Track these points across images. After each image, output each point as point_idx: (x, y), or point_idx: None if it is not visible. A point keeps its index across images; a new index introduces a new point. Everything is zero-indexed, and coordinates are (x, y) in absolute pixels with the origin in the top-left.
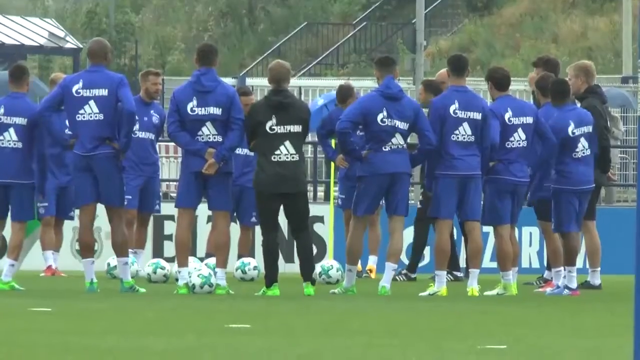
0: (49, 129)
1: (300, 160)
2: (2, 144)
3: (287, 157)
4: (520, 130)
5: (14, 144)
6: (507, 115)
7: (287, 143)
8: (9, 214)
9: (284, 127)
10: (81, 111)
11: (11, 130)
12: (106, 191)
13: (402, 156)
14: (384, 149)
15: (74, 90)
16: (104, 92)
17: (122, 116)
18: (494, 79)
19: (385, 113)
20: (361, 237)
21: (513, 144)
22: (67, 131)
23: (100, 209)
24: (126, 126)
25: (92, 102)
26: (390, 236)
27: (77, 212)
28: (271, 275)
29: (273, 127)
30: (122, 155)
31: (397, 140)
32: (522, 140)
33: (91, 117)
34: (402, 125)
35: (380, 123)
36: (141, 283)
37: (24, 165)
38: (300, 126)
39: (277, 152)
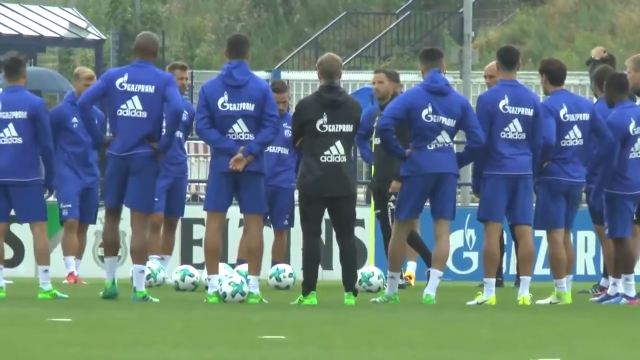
0: (87, 123)
1: (349, 161)
2: (2, 141)
3: (337, 158)
4: (576, 127)
5: (14, 140)
6: (562, 112)
7: (338, 143)
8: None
9: (335, 126)
10: (123, 106)
11: (10, 125)
12: (136, 194)
13: (448, 155)
14: (428, 147)
15: (117, 83)
16: (150, 88)
17: (167, 115)
18: (549, 72)
19: (430, 109)
20: (404, 241)
21: (568, 142)
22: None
23: (125, 212)
24: (170, 126)
25: (135, 98)
26: (436, 241)
27: (99, 214)
28: (309, 282)
29: (324, 126)
30: (161, 156)
31: (443, 138)
32: (578, 139)
33: (133, 113)
34: (448, 122)
35: (425, 119)
36: (169, 291)
37: (25, 162)
38: (352, 125)
39: (327, 152)
